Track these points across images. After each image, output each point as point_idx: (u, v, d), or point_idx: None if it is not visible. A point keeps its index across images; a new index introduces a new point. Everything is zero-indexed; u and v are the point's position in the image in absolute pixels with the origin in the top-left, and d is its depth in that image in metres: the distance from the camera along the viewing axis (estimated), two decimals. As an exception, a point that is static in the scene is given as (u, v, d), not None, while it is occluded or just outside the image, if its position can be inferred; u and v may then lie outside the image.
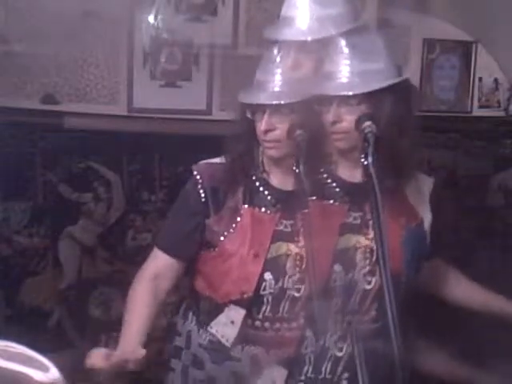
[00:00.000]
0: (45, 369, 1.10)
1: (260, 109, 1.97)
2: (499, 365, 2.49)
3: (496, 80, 3.68)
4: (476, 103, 3.69)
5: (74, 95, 3.15)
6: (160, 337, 2.31)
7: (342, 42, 1.93)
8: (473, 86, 3.67)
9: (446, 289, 2.27)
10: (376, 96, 1.91)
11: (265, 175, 2.04)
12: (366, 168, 1.74)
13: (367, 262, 2.00)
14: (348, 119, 1.90)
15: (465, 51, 3.63)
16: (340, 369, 2.03)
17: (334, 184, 2.02)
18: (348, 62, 1.92)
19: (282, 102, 1.93)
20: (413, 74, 3.39)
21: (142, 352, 1.90)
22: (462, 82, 3.66)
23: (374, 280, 1.99)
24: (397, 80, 1.95)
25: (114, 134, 3.19)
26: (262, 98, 1.96)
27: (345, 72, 1.92)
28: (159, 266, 2.10)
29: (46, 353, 1.15)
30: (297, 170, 1.87)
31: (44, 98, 3.11)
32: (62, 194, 3.25)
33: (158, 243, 2.14)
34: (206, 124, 3.26)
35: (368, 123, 1.83)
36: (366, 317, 2.02)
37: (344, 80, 1.92)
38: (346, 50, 1.92)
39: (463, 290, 2.26)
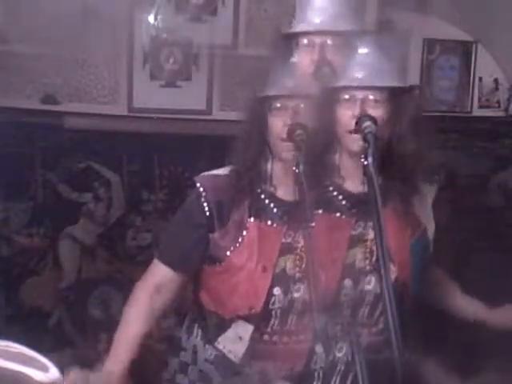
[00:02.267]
0: (45, 369, 1.10)
1: (281, 103, 1.94)
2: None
3: (496, 80, 3.68)
4: (476, 103, 3.70)
5: (74, 95, 3.15)
6: (159, 338, 2.31)
7: (366, 39, 1.93)
8: (473, 86, 3.67)
9: (439, 298, 2.27)
10: (398, 95, 1.91)
11: (272, 189, 2.00)
12: (366, 168, 1.73)
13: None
14: (372, 114, 1.87)
15: (465, 51, 3.64)
16: (349, 383, 2.02)
17: (341, 197, 1.99)
18: (372, 58, 1.91)
19: (307, 93, 1.90)
20: (413, 74, 3.40)
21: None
22: (462, 82, 3.66)
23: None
24: (418, 84, 1.95)
25: (114, 133, 3.19)
26: (284, 90, 1.92)
27: (367, 67, 1.91)
28: (160, 278, 2.05)
29: (46, 353, 1.15)
30: (297, 170, 1.85)
31: (44, 98, 3.12)
32: (62, 194, 3.25)
33: (158, 256, 2.09)
34: (206, 124, 3.26)
35: (368, 123, 1.82)
36: (374, 329, 2.01)
37: (368, 74, 1.90)
38: (370, 48, 1.92)
39: (456, 301, 2.26)
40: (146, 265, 2.17)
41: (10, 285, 3.22)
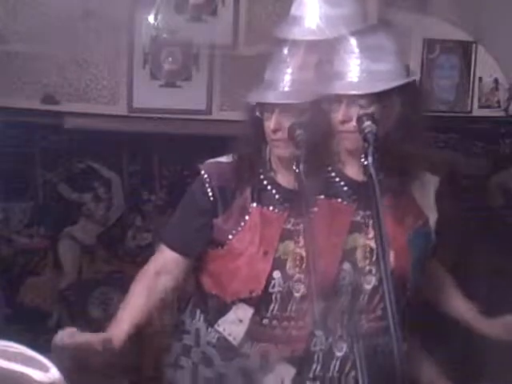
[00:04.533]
0: (45, 369, 1.10)
1: (269, 108, 1.97)
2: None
3: (496, 80, 3.68)
4: (476, 103, 3.70)
5: (74, 95, 3.15)
6: (167, 333, 2.32)
7: (352, 42, 1.93)
8: (473, 86, 3.67)
9: (433, 292, 2.27)
10: (385, 96, 1.91)
11: (272, 174, 2.04)
12: (366, 168, 1.74)
13: (367, 261, 2.00)
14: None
15: (465, 51, 3.64)
16: (348, 367, 2.03)
17: (342, 183, 2.02)
18: (358, 61, 1.92)
19: (292, 102, 1.93)
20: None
21: (109, 339, 1.93)
22: (462, 82, 3.66)
23: (373, 279, 1.99)
24: (405, 81, 1.95)
25: (114, 133, 3.19)
26: (271, 97, 1.96)
27: (354, 72, 1.92)
28: (164, 261, 2.10)
29: (46, 353, 1.14)
30: (297, 170, 1.87)
31: (44, 98, 3.11)
32: (62, 194, 3.25)
33: (163, 239, 2.14)
34: (206, 124, 3.26)
35: (368, 123, 1.83)
36: (373, 315, 2.02)
37: (354, 79, 1.92)
38: (355, 50, 1.92)
39: (453, 301, 2.26)
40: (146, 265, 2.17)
41: (10, 285, 3.22)
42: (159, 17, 3.14)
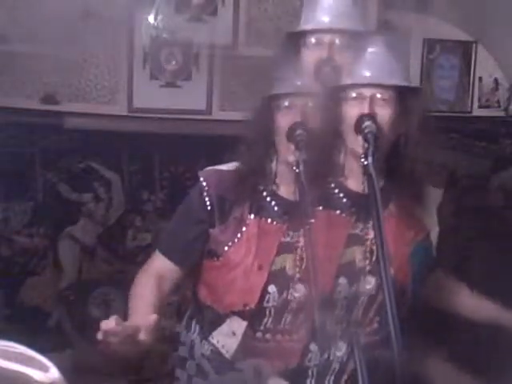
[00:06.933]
0: (45, 369, 1.10)
1: (283, 100, 1.93)
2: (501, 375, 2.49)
3: (496, 80, 3.69)
4: (476, 103, 3.70)
5: (73, 95, 3.15)
6: (161, 337, 2.31)
7: (370, 38, 1.93)
8: (473, 86, 3.68)
9: (448, 301, 2.25)
10: (406, 96, 1.90)
11: (275, 187, 2.00)
12: (365, 168, 1.73)
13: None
14: (380, 114, 1.87)
15: (465, 51, 3.64)
16: (343, 382, 2.02)
17: (342, 194, 1.98)
18: (380, 57, 1.90)
19: (315, 91, 1.90)
20: (413, 73, 3.39)
21: (154, 317, 1.76)
22: (462, 81, 3.66)
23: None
24: (424, 85, 1.95)
25: (114, 134, 3.20)
26: (288, 88, 1.92)
27: (378, 66, 1.90)
28: (160, 268, 2.05)
29: (46, 353, 1.14)
30: (297, 170, 1.85)
31: (44, 98, 3.12)
32: (62, 194, 3.25)
33: (159, 247, 2.09)
34: (206, 124, 3.26)
35: (368, 123, 1.81)
36: (369, 329, 2.01)
37: (379, 72, 1.89)
38: (378, 47, 1.91)
39: (466, 302, 2.24)
40: (145, 265, 2.17)
41: (10, 285, 3.22)
42: (159, 17, 3.14)
